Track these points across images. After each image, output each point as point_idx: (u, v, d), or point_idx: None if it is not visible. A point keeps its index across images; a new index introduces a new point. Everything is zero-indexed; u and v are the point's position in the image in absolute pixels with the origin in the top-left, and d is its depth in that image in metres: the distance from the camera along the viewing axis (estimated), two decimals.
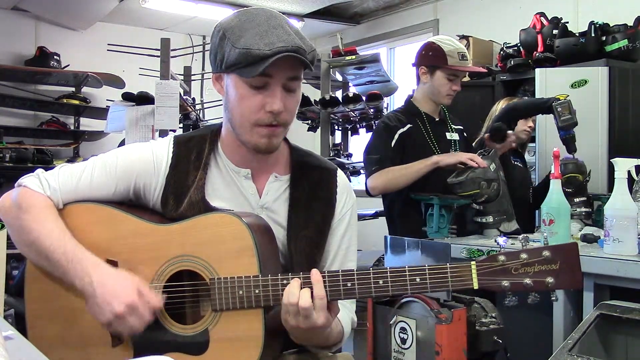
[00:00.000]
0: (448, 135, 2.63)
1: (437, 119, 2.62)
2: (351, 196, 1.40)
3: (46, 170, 1.34)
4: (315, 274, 1.16)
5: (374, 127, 2.69)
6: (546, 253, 1.12)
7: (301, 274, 1.17)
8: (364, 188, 2.57)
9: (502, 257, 1.14)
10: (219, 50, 1.23)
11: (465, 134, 2.71)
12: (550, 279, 1.12)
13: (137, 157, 1.32)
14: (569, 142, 2.44)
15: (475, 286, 1.14)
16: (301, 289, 1.14)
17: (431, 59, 2.53)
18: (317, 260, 1.32)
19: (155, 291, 1.20)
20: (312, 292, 1.14)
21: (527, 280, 1.12)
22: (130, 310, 1.15)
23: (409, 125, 2.52)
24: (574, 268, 1.12)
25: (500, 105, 2.89)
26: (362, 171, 4.09)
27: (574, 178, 2.45)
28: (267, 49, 1.16)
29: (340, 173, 1.41)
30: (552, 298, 1.16)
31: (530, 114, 2.78)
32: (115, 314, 1.14)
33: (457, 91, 2.57)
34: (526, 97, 3.47)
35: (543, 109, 2.58)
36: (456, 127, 2.70)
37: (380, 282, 1.15)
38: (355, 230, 1.41)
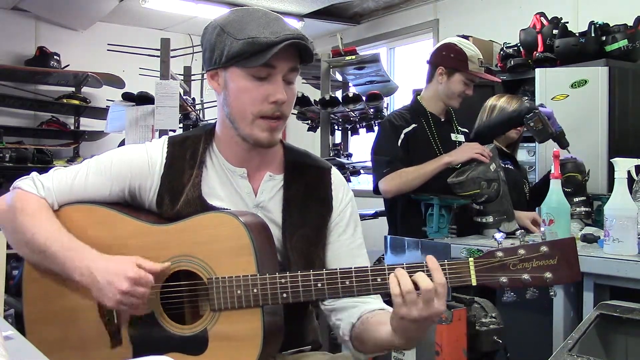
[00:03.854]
0: (453, 137, 2.61)
1: (443, 120, 2.61)
2: (347, 192, 1.40)
3: (45, 171, 1.34)
4: (431, 259, 1.11)
5: (378, 126, 2.66)
6: (544, 248, 1.12)
7: (404, 264, 1.12)
8: (363, 188, 2.57)
9: (499, 253, 1.13)
10: (217, 46, 1.23)
11: (470, 138, 2.71)
12: (548, 274, 1.11)
13: (132, 158, 1.32)
14: (560, 138, 2.43)
15: (474, 282, 1.13)
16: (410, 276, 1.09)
17: (452, 61, 2.51)
18: (314, 259, 1.31)
19: (153, 264, 1.20)
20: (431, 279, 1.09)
21: (526, 276, 1.12)
22: (133, 282, 1.16)
23: (413, 125, 2.51)
24: (572, 263, 1.11)
25: (492, 102, 2.86)
26: (362, 171, 4.09)
27: (572, 177, 2.45)
28: (273, 37, 1.17)
29: (334, 171, 1.41)
30: (551, 293, 1.15)
31: (502, 133, 2.71)
32: (121, 290, 1.15)
33: (469, 96, 2.56)
34: (526, 98, 3.45)
35: (514, 124, 2.56)
36: (462, 129, 2.69)
37: (379, 279, 1.15)
38: (359, 225, 1.40)
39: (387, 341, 1.19)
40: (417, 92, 2.70)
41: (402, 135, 2.47)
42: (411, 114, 2.56)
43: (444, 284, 1.09)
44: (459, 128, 2.68)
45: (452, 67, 2.51)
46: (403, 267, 1.12)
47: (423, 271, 1.10)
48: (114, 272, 1.17)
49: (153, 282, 1.18)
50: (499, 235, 1.18)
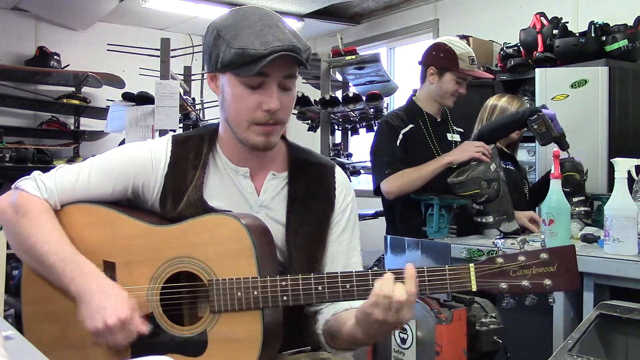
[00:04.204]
0: (449, 137, 2.62)
1: (439, 120, 2.61)
2: (350, 192, 1.40)
3: (45, 171, 1.34)
4: (410, 268, 1.13)
5: (376, 126, 2.66)
6: (544, 255, 1.13)
7: (394, 270, 1.14)
8: (363, 188, 2.56)
9: (500, 260, 1.14)
10: (214, 50, 1.23)
11: (464, 137, 2.71)
12: (547, 282, 1.12)
13: (135, 156, 1.32)
14: (561, 140, 2.43)
15: (474, 288, 1.14)
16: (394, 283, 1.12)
17: (442, 60, 2.50)
18: (317, 257, 1.32)
19: (143, 322, 1.19)
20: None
21: (525, 283, 1.13)
22: (121, 325, 1.14)
23: (410, 126, 2.51)
24: (571, 270, 1.13)
25: (492, 102, 2.85)
26: (362, 171, 4.09)
27: (571, 177, 2.44)
28: (262, 48, 1.16)
29: (338, 169, 1.41)
30: (550, 300, 1.16)
31: (505, 135, 2.70)
32: (107, 324, 1.14)
33: (462, 94, 2.56)
34: (526, 98, 3.45)
35: (517, 126, 2.55)
36: (457, 129, 2.69)
37: None
38: (357, 226, 1.41)
39: (350, 334, 1.21)
40: (414, 92, 2.70)
41: (401, 136, 2.48)
42: (407, 115, 2.56)
43: (414, 293, 1.12)
44: (454, 128, 2.68)
45: (443, 66, 2.51)
46: (393, 273, 1.13)
47: (402, 281, 1.12)
48: (110, 303, 1.15)
49: (134, 337, 1.17)
50: (500, 242, 1.19)
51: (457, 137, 2.65)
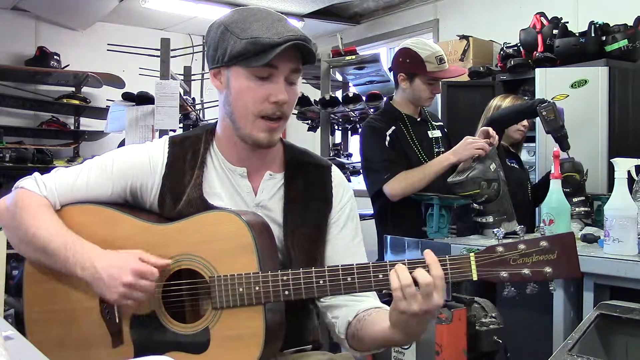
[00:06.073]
0: (430, 134, 2.63)
1: (419, 119, 2.62)
2: (347, 190, 1.41)
3: (45, 171, 1.35)
4: (429, 254, 1.12)
5: (361, 134, 2.65)
6: (544, 243, 1.13)
7: (405, 260, 1.13)
8: (364, 188, 2.56)
9: (500, 248, 1.14)
10: (220, 45, 1.24)
11: (445, 130, 2.73)
12: (548, 269, 1.12)
13: (133, 158, 1.32)
14: (562, 140, 2.44)
15: (475, 277, 1.14)
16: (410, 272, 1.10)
17: (409, 66, 2.50)
18: (316, 256, 1.32)
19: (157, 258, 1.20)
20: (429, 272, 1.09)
21: (526, 271, 1.13)
22: (137, 275, 1.16)
23: (393, 128, 2.51)
24: (571, 258, 1.13)
25: (497, 102, 2.87)
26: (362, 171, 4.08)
27: (570, 177, 2.44)
28: (276, 37, 1.18)
29: (335, 169, 1.42)
30: (551, 288, 1.16)
31: (516, 122, 2.71)
32: (124, 283, 1.16)
33: (438, 93, 2.56)
34: (526, 97, 3.45)
35: (528, 113, 2.56)
36: (437, 124, 2.70)
37: (380, 275, 1.15)
38: (357, 223, 1.41)
39: (386, 338, 1.19)
40: (389, 96, 2.71)
41: (388, 137, 2.48)
42: (386, 118, 2.56)
43: (441, 276, 1.10)
44: (434, 124, 2.69)
45: (411, 72, 2.51)
46: (404, 263, 1.12)
47: (423, 266, 1.11)
48: (117, 265, 1.18)
49: (158, 275, 1.18)
50: (499, 231, 1.19)
51: (437, 133, 2.65)
